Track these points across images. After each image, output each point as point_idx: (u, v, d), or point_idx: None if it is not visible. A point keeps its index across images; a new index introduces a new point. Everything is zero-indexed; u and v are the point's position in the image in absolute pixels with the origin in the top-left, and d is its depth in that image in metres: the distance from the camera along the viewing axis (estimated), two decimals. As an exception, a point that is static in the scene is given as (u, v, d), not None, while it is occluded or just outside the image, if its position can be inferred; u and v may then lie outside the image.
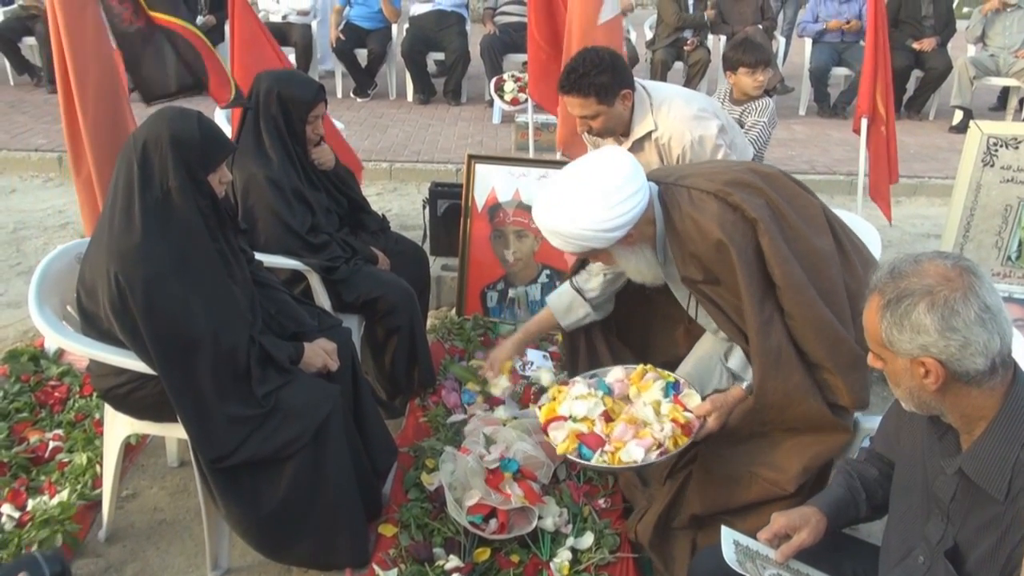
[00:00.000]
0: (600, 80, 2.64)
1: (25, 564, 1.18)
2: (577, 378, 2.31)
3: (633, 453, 2.00)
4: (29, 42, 7.37)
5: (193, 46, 3.19)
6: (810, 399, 1.99)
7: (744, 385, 2.14)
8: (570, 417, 2.14)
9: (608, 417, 2.14)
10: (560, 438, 2.10)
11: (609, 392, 2.22)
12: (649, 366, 2.26)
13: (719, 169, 2.17)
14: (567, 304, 2.53)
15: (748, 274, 1.96)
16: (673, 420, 2.06)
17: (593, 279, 2.47)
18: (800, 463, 2.03)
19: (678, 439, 2.04)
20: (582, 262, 2.48)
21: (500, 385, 2.71)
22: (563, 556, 2.29)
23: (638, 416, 2.10)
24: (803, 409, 2.00)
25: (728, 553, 1.66)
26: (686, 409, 2.11)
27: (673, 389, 2.17)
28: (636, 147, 2.86)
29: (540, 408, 2.24)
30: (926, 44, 7.10)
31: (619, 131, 2.82)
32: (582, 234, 1.98)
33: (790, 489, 2.03)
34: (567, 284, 2.54)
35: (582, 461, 2.05)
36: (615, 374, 2.27)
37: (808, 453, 2.03)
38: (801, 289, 1.95)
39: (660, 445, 2.01)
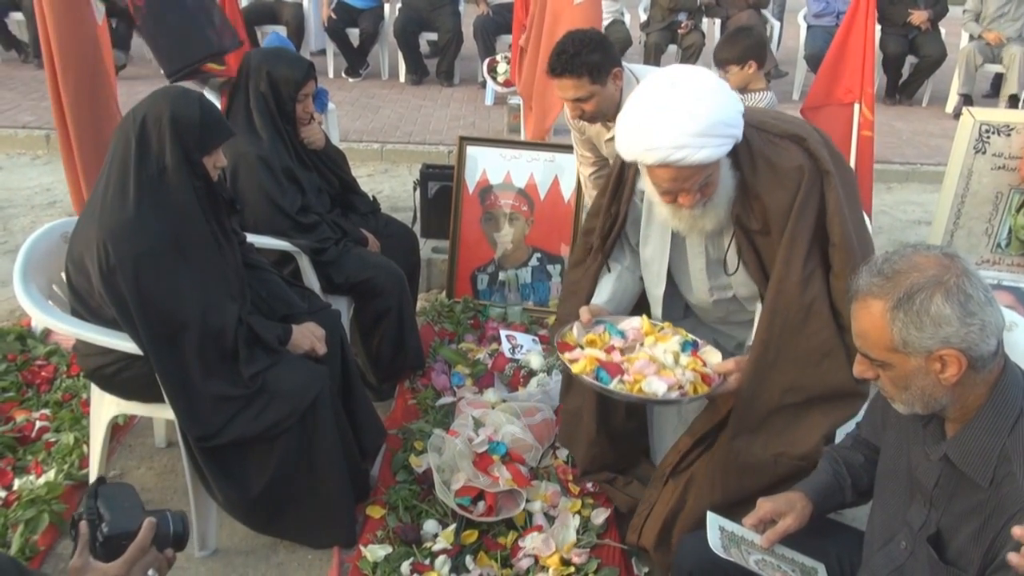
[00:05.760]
0: (592, 59, 2.60)
1: (154, 514, 1.32)
2: (575, 323, 2.17)
3: (655, 386, 1.91)
4: (16, 17, 7.26)
5: None
6: (831, 360, 1.94)
7: None
8: (579, 346, 2.08)
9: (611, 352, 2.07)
10: (576, 359, 2.01)
11: (622, 336, 2.11)
12: (667, 324, 2.16)
13: (775, 114, 2.08)
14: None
15: (804, 222, 1.92)
16: (693, 370, 1.98)
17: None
18: (820, 432, 1.99)
19: (698, 386, 1.95)
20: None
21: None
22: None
23: (657, 358, 2.01)
24: (824, 370, 1.95)
25: (713, 539, 1.67)
26: (705, 365, 2.03)
27: (691, 346, 2.08)
28: None
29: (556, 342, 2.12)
30: (916, 18, 7.06)
31: (610, 114, 2.79)
32: (723, 118, 1.81)
33: (817, 459, 1.95)
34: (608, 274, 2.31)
35: (598, 384, 1.95)
36: (631, 323, 2.15)
37: (827, 422, 1.99)
38: (854, 250, 1.93)
39: (681, 387, 1.93)
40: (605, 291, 2.28)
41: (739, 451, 2.02)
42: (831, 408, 1.99)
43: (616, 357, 2.02)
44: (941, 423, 1.43)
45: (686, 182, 1.88)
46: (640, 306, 2.36)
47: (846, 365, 1.89)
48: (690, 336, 2.12)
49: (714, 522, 1.73)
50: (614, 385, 1.94)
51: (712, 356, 2.07)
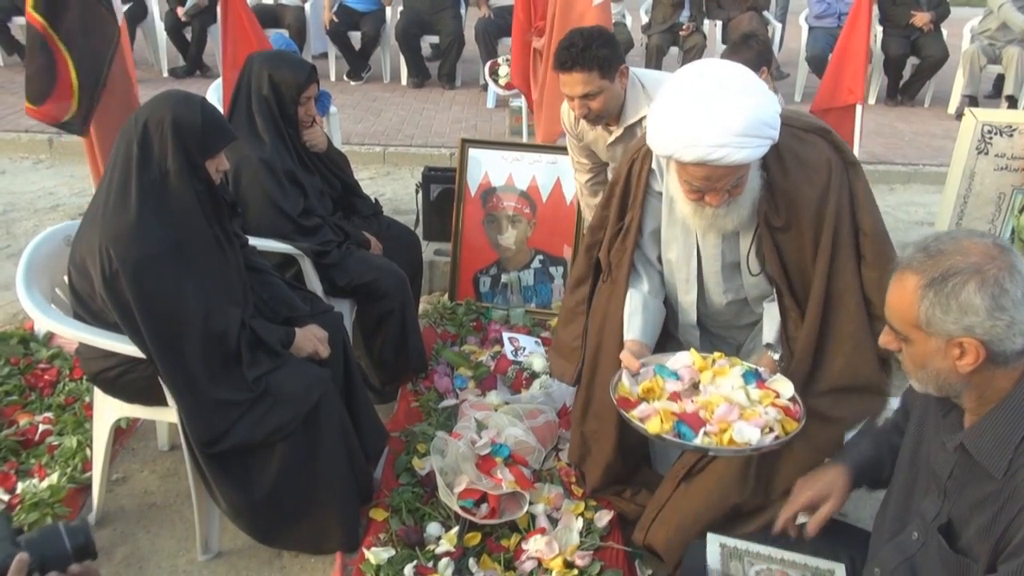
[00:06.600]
0: (602, 53, 2.56)
1: (47, 536, 1.18)
2: (622, 372, 2.01)
3: (747, 434, 1.73)
4: (19, 22, 7.27)
5: (55, 59, 3.17)
6: (859, 351, 1.92)
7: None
8: (642, 399, 1.89)
9: (678, 399, 1.91)
10: (647, 416, 1.82)
11: (676, 378, 1.93)
12: (718, 353, 1.99)
13: (794, 111, 2.09)
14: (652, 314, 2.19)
15: (842, 216, 1.94)
16: (771, 404, 1.82)
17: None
18: (844, 427, 1.98)
19: (785, 424, 1.79)
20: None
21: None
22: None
23: (732, 398, 1.83)
24: (853, 359, 1.93)
25: (712, 558, 1.66)
26: (778, 396, 1.86)
27: (755, 377, 1.90)
28: (628, 134, 2.79)
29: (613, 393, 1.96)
30: (919, 20, 7.06)
31: (613, 114, 2.77)
32: (765, 119, 1.76)
33: (842, 443, 1.96)
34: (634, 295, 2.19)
35: (681, 441, 1.76)
36: (681, 360, 1.97)
37: (851, 417, 1.98)
38: (885, 239, 1.95)
39: (771, 429, 1.76)
40: (636, 325, 2.13)
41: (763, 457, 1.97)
42: (856, 402, 1.98)
43: (688, 405, 1.83)
44: (961, 415, 1.43)
45: (719, 181, 1.83)
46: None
47: (873, 358, 1.90)
48: (749, 364, 1.95)
49: (714, 540, 1.72)
50: (700, 439, 1.75)
51: (783, 385, 1.89)
